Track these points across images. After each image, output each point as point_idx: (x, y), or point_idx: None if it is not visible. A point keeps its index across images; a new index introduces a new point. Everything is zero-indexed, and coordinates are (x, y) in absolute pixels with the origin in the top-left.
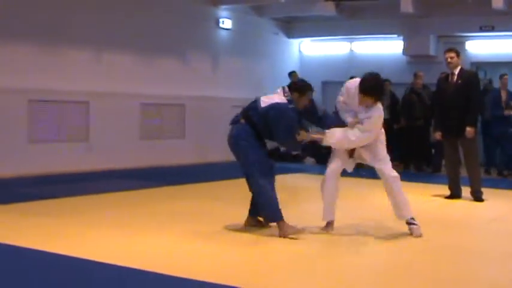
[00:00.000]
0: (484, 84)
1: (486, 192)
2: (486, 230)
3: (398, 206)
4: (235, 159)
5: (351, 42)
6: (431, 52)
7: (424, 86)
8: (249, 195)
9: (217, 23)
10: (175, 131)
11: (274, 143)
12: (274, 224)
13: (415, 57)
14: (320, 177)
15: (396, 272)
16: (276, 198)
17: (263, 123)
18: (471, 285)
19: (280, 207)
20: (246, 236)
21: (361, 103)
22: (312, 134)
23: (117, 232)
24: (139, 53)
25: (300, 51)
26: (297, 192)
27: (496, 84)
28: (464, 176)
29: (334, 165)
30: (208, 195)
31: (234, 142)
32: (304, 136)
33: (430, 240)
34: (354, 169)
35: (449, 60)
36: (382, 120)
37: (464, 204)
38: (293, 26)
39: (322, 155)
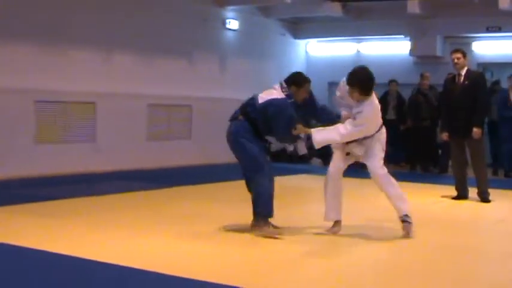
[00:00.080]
0: (491, 85)
1: (493, 193)
2: (492, 230)
3: (391, 203)
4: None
5: (357, 43)
6: (438, 53)
7: (431, 87)
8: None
9: (224, 23)
10: (182, 132)
11: (279, 145)
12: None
13: (421, 57)
14: None
15: (397, 272)
16: (272, 196)
17: (262, 118)
18: (471, 285)
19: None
20: (247, 237)
21: (350, 96)
22: (305, 129)
23: (119, 233)
24: (147, 53)
25: (306, 52)
26: (302, 193)
27: (504, 84)
28: (471, 176)
29: (336, 165)
30: (212, 196)
31: (234, 139)
32: (301, 130)
33: (433, 241)
34: (359, 169)
35: (456, 61)
36: (376, 114)
37: (471, 205)
38: (300, 27)
39: (328, 156)
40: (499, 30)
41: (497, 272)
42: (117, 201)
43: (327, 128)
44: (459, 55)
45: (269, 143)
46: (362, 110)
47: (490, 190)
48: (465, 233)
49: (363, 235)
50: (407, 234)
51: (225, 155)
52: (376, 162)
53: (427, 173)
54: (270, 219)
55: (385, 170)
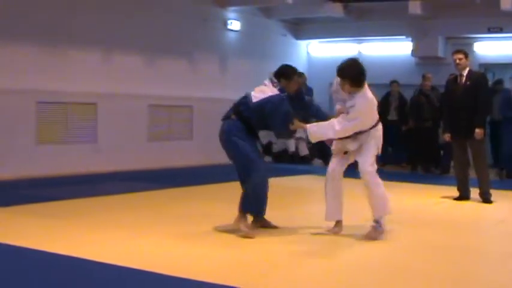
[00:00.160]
0: (493, 84)
1: (495, 194)
2: (493, 231)
3: (371, 202)
4: None
5: (359, 43)
6: (440, 53)
7: (433, 88)
8: None
9: (225, 24)
10: (183, 132)
11: (281, 145)
12: (280, 225)
13: (423, 58)
14: None
15: (397, 273)
16: (265, 194)
17: (256, 117)
18: (471, 286)
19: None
20: None
21: (342, 88)
22: (302, 124)
23: (119, 233)
24: (148, 54)
25: (308, 52)
26: (304, 194)
27: (507, 84)
28: (473, 177)
29: (335, 165)
30: (213, 196)
31: (226, 138)
32: (297, 125)
33: (434, 241)
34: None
35: (457, 61)
36: (370, 107)
37: (473, 206)
38: (301, 28)
39: (329, 156)
40: (501, 30)
41: (497, 273)
42: (118, 201)
43: (322, 123)
44: (461, 56)
45: (271, 143)
46: (355, 103)
47: (492, 191)
48: (466, 234)
49: (363, 235)
50: (369, 238)
51: (226, 156)
52: (368, 158)
53: (429, 173)
54: (266, 219)
55: (375, 167)
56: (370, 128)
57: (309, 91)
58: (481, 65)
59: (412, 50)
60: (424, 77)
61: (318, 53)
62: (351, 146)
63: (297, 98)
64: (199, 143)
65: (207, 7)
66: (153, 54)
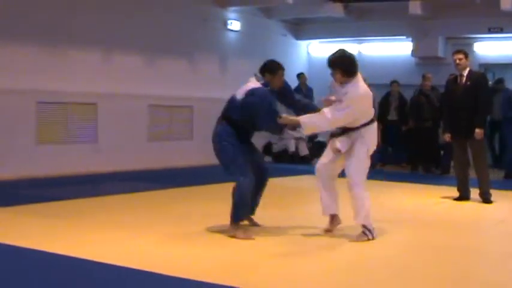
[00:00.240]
0: (493, 83)
1: (495, 194)
2: (493, 231)
3: (353, 208)
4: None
5: (359, 43)
6: (440, 54)
7: (433, 88)
8: None
9: (226, 24)
10: (183, 132)
11: (281, 145)
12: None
13: (423, 58)
14: None
15: (397, 273)
16: (249, 199)
17: (244, 116)
18: (472, 286)
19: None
20: None
21: (334, 78)
22: (291, 117)
23: (119, 233)
24: (148, 54)
25: (308, 52)
26: (303, 194)
27: (507, 84)
28: (473, 177)
29: (324, 159)
30: (212, 196)
31: (218, 141)
32: (286, 120)
33: (434, 241)
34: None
35: (457, 61)
36: (363, 96)
37: (473, 206)
38: (301, 28)
39: None
40: (501, 31)
41: (497, 273)
42: (118, 201)
43: (313, 114)
44: (461, 56)
45: (271, 143)
46: (347, 90)
47: (492, 191)
48: (466, 234)
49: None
50: (358, 240)
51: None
52: (358, 169)
53: (429, 173)
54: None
55: (365, 178)
56: (364, 125)
57: (309, 91)
58: (481, 65)
59: (412, 50)
60: (424, 77)
61: (318, 53)
62: (341, 145)
63: (282, 94)
64: (200, 143)
65: (207, 7)
66: (153, 54)
